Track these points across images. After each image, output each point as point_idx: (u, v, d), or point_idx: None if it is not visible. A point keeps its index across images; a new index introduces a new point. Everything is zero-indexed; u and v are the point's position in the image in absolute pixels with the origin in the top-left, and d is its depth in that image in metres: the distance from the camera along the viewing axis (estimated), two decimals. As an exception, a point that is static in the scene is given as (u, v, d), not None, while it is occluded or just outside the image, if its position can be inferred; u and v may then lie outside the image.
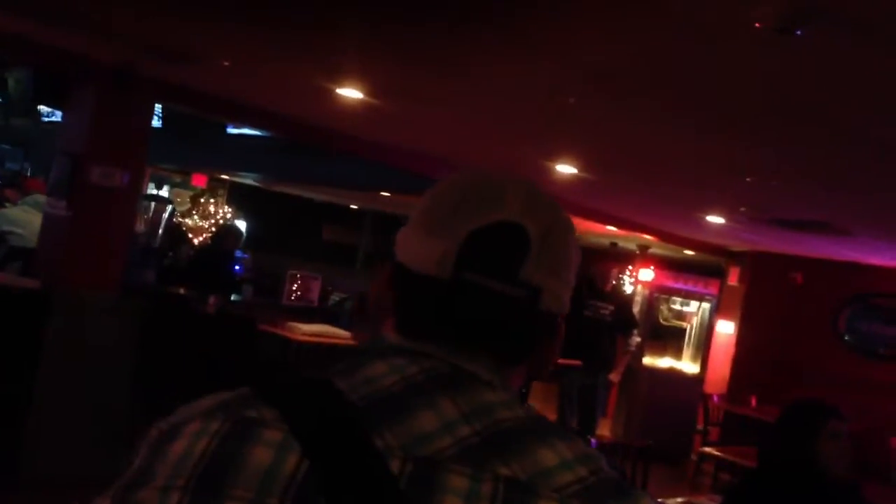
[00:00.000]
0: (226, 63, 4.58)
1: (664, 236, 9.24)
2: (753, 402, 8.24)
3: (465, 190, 0.87)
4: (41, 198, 5.81)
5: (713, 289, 9.84)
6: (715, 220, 7.24)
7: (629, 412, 9.13)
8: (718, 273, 9.90)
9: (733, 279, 9.53)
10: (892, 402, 7.81)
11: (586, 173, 6.14)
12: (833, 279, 8.62)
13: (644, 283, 10.48)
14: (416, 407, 0.77)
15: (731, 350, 9.31)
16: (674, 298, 10.08)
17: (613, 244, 12.11)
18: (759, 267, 9.33)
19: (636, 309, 9.76)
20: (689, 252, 10.17)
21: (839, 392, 7.72)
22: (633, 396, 9.12)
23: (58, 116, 9.01)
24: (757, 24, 2.43)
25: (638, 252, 11.25)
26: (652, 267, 10.46)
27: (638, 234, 9.49)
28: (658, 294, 10.00)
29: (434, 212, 0.87)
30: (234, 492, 0.71)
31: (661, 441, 5.72)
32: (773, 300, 9.10)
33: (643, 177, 6.09)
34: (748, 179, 5.23)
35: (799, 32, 2.40)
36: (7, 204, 8.05)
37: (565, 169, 6.02)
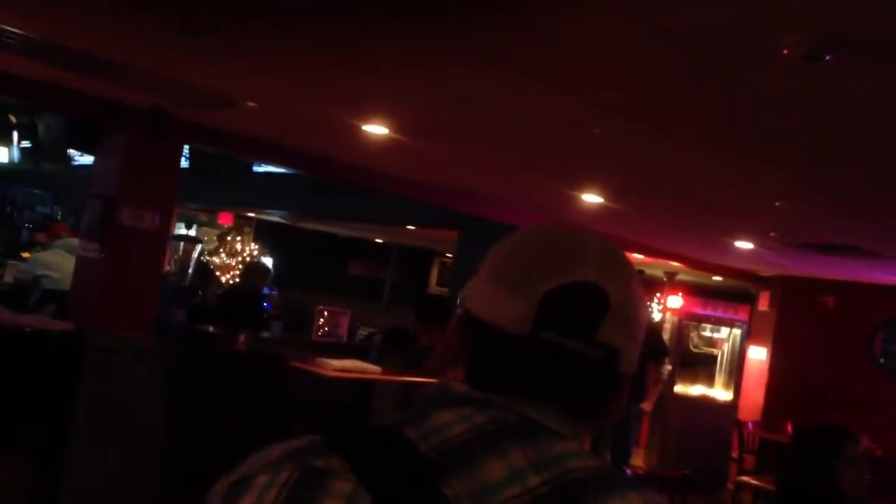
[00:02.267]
0: (252, 104, 4.64)
1: (692, 263, 9.17)
2: (789, 428, 8.10)
3: (543, 247, 0.89)
4: (73, 241, 5.87)
5: (743, 314, 9.74)
6: (744, 245, 7.19)
7: (663, 441, 9.02)
8: (748, 299, 9.80)
9: (764, 304, 9.43)
10: (933, 426, 7.67)
11: (613, 203, 6.12)
12: (866, 302, 8.53)
13: (673, 311, 10.40)
14: (485, 456, 0.76)
15: (765, 376, 9.19)
16: (704, 325, 9.98)
17: (640, 271, 12.04)
18: (789, 292, 9.23)
19: (666, 336, 9.67)
20: (718, 278, 10.09)
21: (876, 416, 7.60)
22: (667, 425, 9.01)
23: (88, 160, 9.11)
24: (785, 51, 2.43)
25: (665, 279, 11.18)
26: (680, 294, 10.38)
27: (665, 262, 9.43)
28: (687, 321, 9.91)
29: (510, 268, 0.88)
30: None
31: (695, 470, 5.65)
32: (805, 325, 8.99)
33: (671, 204, 6.06)
34: (777, 204, 5.19)
35: (828, 58, 2.39)
36: (38, 247, 8.16)
37: (592, 199, 6.01)
